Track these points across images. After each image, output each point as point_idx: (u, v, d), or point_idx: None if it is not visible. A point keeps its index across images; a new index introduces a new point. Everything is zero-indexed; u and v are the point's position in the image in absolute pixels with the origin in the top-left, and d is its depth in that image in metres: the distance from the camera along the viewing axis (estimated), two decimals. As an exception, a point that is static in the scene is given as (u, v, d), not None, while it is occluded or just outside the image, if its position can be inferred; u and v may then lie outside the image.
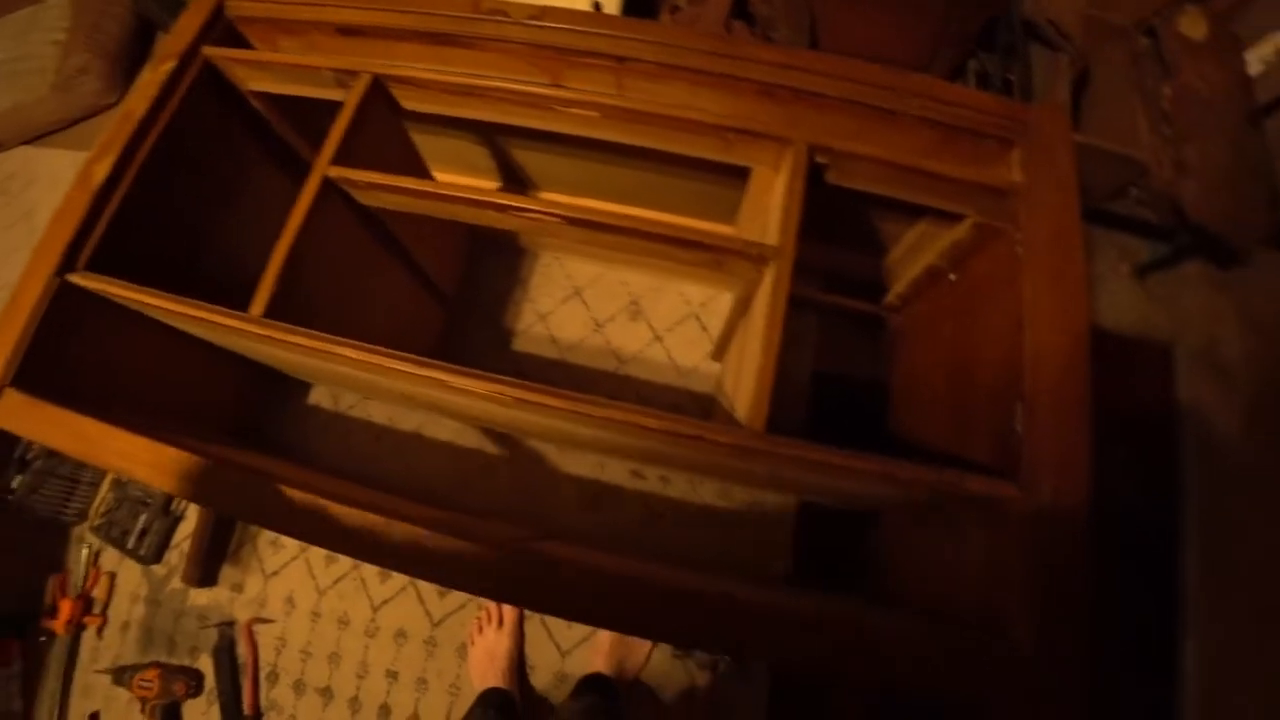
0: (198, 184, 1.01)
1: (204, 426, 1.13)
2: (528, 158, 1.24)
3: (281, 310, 0.82)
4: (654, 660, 1.15)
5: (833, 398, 1.26)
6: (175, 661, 1.23)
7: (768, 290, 0.81)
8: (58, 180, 1.68)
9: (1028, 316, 0.81)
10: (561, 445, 1.22)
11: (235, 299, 0.81)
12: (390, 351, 0.75)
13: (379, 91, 0.93)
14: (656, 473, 1.21)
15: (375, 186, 0.87)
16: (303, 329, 0.77)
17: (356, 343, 0.76)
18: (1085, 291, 0.82)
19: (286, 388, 1.29)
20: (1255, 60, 1.44)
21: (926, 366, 1.14)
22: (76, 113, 1.73)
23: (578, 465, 1.21)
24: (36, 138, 1.76)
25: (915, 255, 1.17)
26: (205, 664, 1.22)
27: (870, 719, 1.15)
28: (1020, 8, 1.43)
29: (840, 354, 1.35)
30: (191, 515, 1.29)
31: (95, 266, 0.85)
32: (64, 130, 1.76)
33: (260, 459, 1.00)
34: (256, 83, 0.99)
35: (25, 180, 1.71)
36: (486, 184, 1.29)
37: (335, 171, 0.86)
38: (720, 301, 1.31)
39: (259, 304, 0.81)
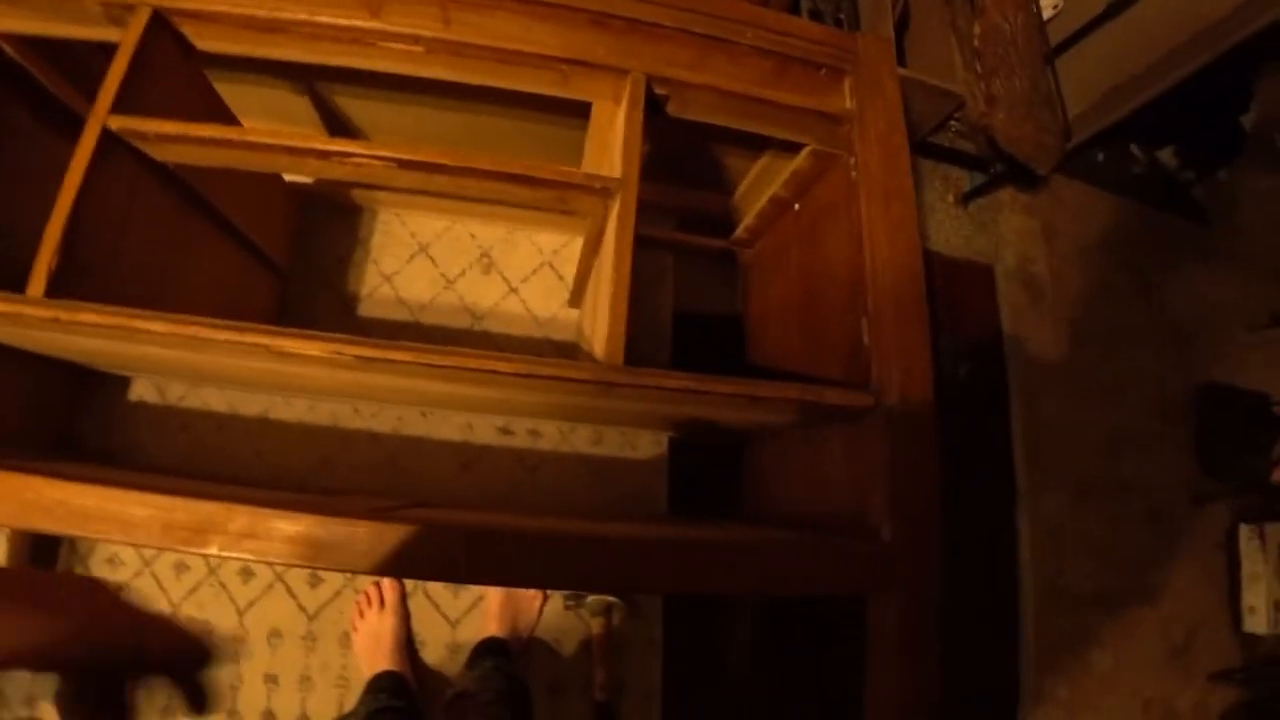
0: None
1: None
2: (353, 106, 1.14)
3: (70, 289, 0.71)
4: (546, 615, 1.15)
5: (693, 336, 1.29)
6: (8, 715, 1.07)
7: (614, 224, 0.80)
8: None
9: (866, 235, 0.86)
10: (423, 407, 1.16)
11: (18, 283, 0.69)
12: (203, 319, 0.67)
13: (163, 27, 0.81)
14: (526, 426, 1.19)
15: (168, 138, 0.77)
16: (92, 305, 0.67)
17: (161, 314, 0.67)
18: (913, 207, 0.88)
19: (98, 386, 1.14)
20: (1047, 6, 1.60)
21: (779, 296, 1.18)
22: None
23: (443, 428, 1.16)
24: None
25: (760, 188, 1.20)
26: (48, 713, 1.07)
27: (758, 627, 1.21)
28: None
29: (698, 293, 1.38)
30: (0, 541, 1.11)
31: None
32: None
33: (52, 466, 0.88)
34: (2, 22, 0.84)
35: None
36: (284, 130, 1.17)
37: (117, 122, 0.75)
38: (574, 248, 1.29)
39: (37, 281, 0.70)
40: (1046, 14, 1.60)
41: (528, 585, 1.02)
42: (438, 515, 0.78)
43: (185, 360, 0.86)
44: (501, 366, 0.67)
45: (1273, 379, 1.81)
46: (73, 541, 1.13)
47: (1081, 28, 1.55)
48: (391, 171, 0.78)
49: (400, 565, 0.63)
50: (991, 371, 1.63)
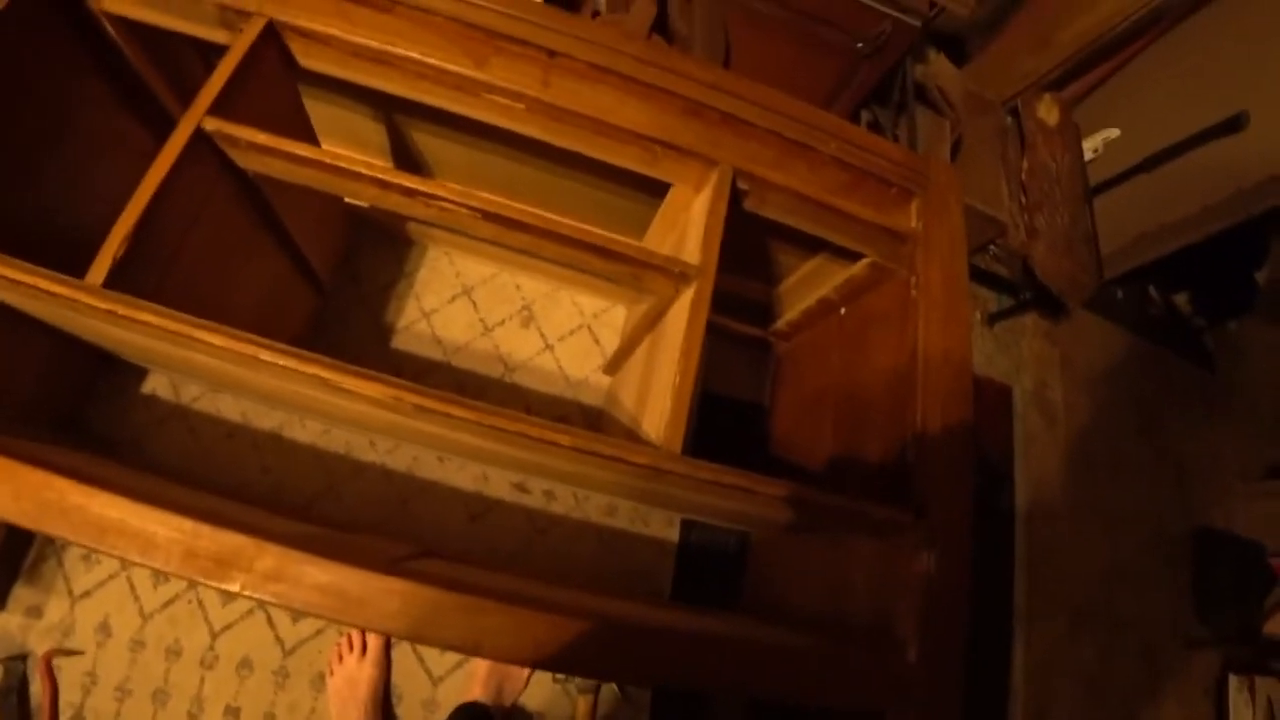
0: (22, 114, 0.83)
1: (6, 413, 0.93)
2: (425, 141, 1.14)
3: (126, 281, 0.69)
4: (532, 685, 1.09)
5: (714, 417, 1.28)
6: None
7: (686, 309, 0.80)
8: None
9: (920, 353, 0.86)
10: (443, 453, 1.13)
11: (57, 260, 0.67)
12: (265, 341, 0.65)
13: (273, 40, 0.82)
14: (542, 486, 1.16)
15: (261, 148, 0.76)
16: (154, 305, 0.65)
17: (219, 327, 0.65)
18: (969, 331, 0.89)
19: (113, 371, 1.10)
20: (1088, 148, 1.68)
21: (812, 392, 1.18)
22: None
23: (458, 476, 1.13)
24: None
25: (808, 287, 1.21)
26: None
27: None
28: (913, 71, 1.55)
29: (723, 375, 1.38)
30: (-26, 523, 1.05)
31: None
32: None
33: (65, 454, 0.84)
34: (115, 3, 0.84)
35: None
36: (377, 163, 1.18)
37: (212, 124, 0.74)
38: (614, 314, 1.29)
39: (99, 270, 0.68)
40: (1087, 155, 1.68)
41: (524, 664, 0.98)
42: (446, 572, 0.74)
43: (221, 369, 0.84)
44: (562, 440, 0.65)
45: (1267, 530, 1.83)
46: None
47: (1119, 174, 1.61)
48: (472, 220, 0.78)
49: (425, 633, 0.60)
50: (1000, 490, 1.63)
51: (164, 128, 0.73)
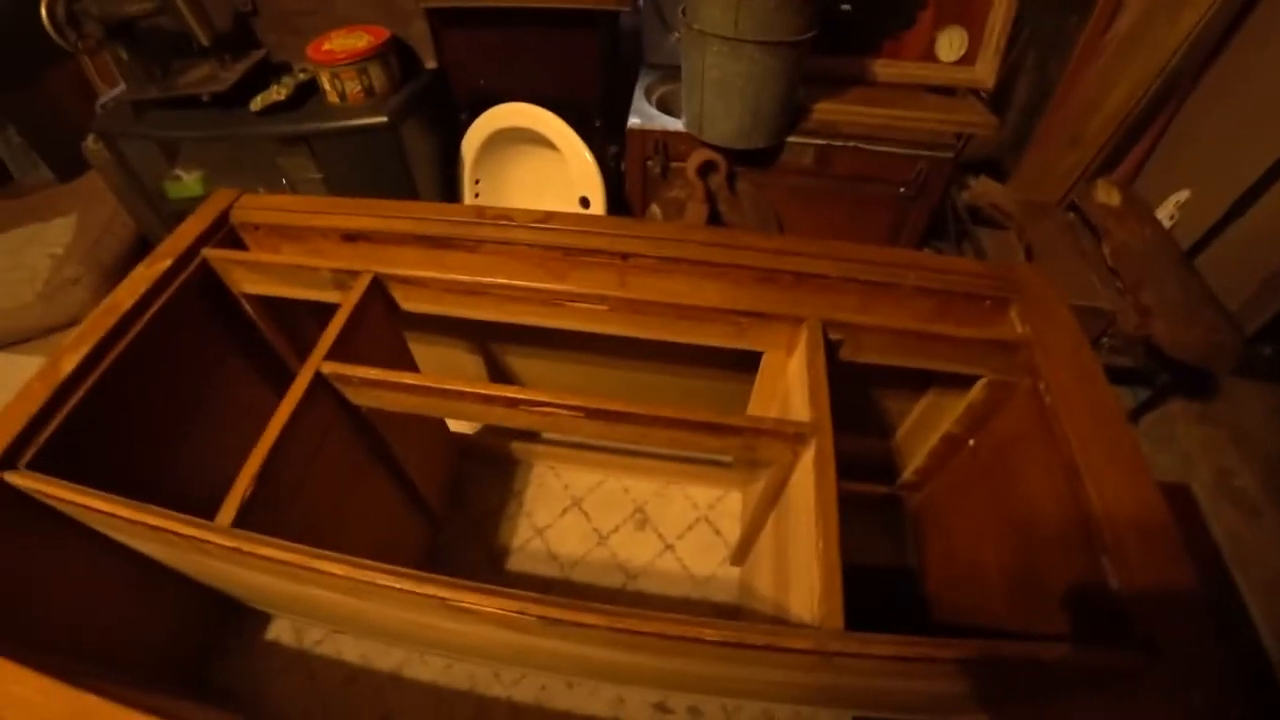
0: (174, 384, 0.94)
1: (129, 672, 0.93)
2: (520, 364, 1.22)
3: (253, 520, 0.70)
4: None
5: (861, 591, 1.14)
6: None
7: (810, 471, 0.74)
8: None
9: (1081, 463, 0.75)
10: (572, 676, 1.04)
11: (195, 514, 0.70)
12: (383, 566, 0.63)
13: (378, 291, 0.91)
14: (685, 702, 1.03)
15: (372, 383, 0.81)
16: (275, 540, 0.66)
17: (342, 557, 0.64)
18: (1127, 425, 0.78)
19: (238, 622, 1.10)
20: (1163, 217, 1.61)
21: (963, 543, 1.05)
22: (59, 320, 1.65)
23: (591, 703, 1.02)
24: (10, 344, 1.66)
25: (926, 428, 1.13)
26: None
27: None
28: (961, 197, 1.59)
29: (859, 543, 1.25)
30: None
31: (39, 466, 0.73)
32: (40, 339, 1.67)
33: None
34: (251, 285, 0.97)
35: (-11, 387, 1.59)
36: (477, 382, 1.26)
37: (329, 367, 0.80)
38: (730, 501, 1.22)
39: (228, 511, 0.70)
40: (1165, 225, 1.59)
41: None
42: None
43: (340, 604, 0.82)
44: (707, 635, 0.57)
45: None
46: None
47: (1211, 228, 1.51)
48: (577, 421, 0.78)
49: None
50: (1221, 601, 1.32)
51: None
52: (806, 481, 0.74)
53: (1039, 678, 0.69)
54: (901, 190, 1.39)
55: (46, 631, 0.80)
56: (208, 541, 0.66)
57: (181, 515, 0.67)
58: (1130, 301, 1.39)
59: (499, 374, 1.22)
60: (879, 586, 1.18)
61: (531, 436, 1.27)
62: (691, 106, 1.30)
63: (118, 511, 0.68)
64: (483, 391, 0.78)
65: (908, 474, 1.19)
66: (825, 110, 1.33)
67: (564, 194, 1.55)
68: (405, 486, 1.05)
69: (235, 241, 1.00)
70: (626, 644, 0.64)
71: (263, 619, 1.12)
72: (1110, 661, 0.61)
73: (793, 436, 0.76)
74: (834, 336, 0.87)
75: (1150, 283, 1.42)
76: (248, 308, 1.01)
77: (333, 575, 0.64)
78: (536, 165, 1.59)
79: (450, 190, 1.65)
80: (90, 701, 0.58)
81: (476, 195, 1.62)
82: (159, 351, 0.88)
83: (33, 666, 0.61)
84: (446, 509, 1.20)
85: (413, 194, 1.53)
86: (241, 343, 1.05)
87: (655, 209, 1.45)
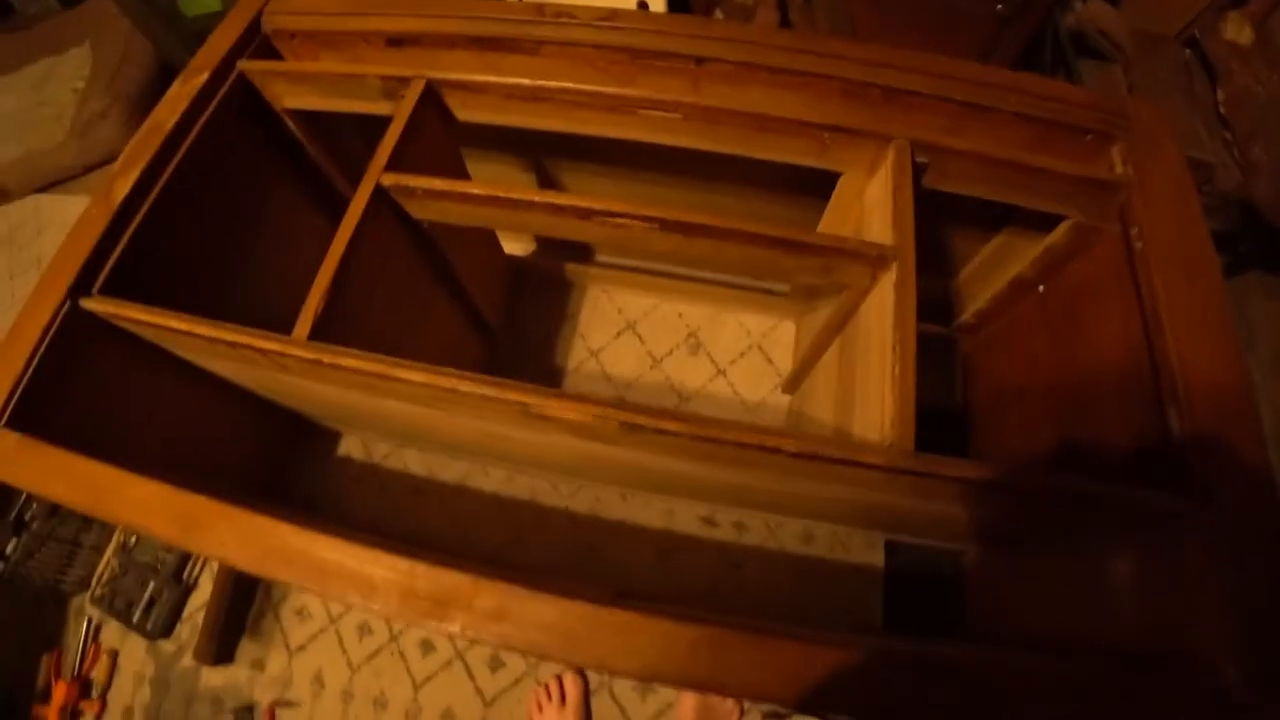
0: (224, 208, 0.92)
1: (219, 486, 1.00)
2: (573, 182, 1.16)
3: (326, 335, 0.71)
4: (743, 732, 1.00)
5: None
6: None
7: (888, 296, 0.71)
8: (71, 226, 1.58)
9: (1164, 315, 0.71)
10: (627, 488, 1.09)
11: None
12: (464, 374, 0.64)
13: (432, 99, 0.85)
14: (731, 518, 1.08)
15: (435, 194, 0.78)
16: (355, 350, 0.67)
17: (418, 364, 0.65)
18: (1221, 281, 0.73)
19: (312, 440, 1.17)
20: None
21: (1018, 385, 1.04)
22: (93, 158, 1.65)
23: (644, 514, 1.08)
24: (49, 185, 1.67)
25: (995, 269, 1.09)
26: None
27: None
28: (1065, 21, 1.40)
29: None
30: (205, 583, 1.14)
31: (110, 292, 0.74)
32: (79, 178, 1.68)
33: (279, 510, 0.88)
34: (294, 99, 0.92)
35: (35, 228, 1.61)
36: (547, 191, 1.22)
37: (389, 179, 0.77)
38: (783, 331, 1.21)
39: (304, 325, 0.70)
40: None
41: (752, 698, 0.89)
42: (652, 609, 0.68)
43: (411, 415, 0.85)
44: (787, 445, 0.58)
45: None
46: (268, 588, 1.14)
47: None
48: (651, 234, 0.75)
49: (661, 670, 0.54)
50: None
51: (338, 215, 0.77)
52: (884, 306, 0.72)
53: (1086, 514, 0.69)
54: (999, 7, 1.23)
55: (139, 450, 0.84)
56: (287, 355, 0.67)
57: (259, 331, 0.68)
58: (1236, 156, 1.26)
59: (549, 189, 1.17)
60: (925, 426, 1.19)
61: (586, 258, 1.25)
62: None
63: (196, 330, 0.69)
64: (554, 201, 0.74)
65: (967, 315, 1.15)
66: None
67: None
68: (464, 305, 1.05)
69: (271, 52, 0.93)
70: (701, 453, 0.65)
71: (333, 437, 1.18)
72: (1163, 504, 0.61)
73: (875, 259, 0.72)
74: (920, 159, 0.80)
75: (1265, 138, 1.28)
76: (292, 125, 0.96)
77: (414, 383, 0.65)
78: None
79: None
80: (202, 502, 0.62)
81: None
82: (207, 174, 0.85)
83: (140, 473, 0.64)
84: (502, 330, 1.21)
85: None
86: (289, 165, 1.01)
87: (718, 14, 1.32)
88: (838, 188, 0.90)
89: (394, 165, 0.78)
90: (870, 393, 0.73)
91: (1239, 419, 0.65)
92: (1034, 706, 0.53)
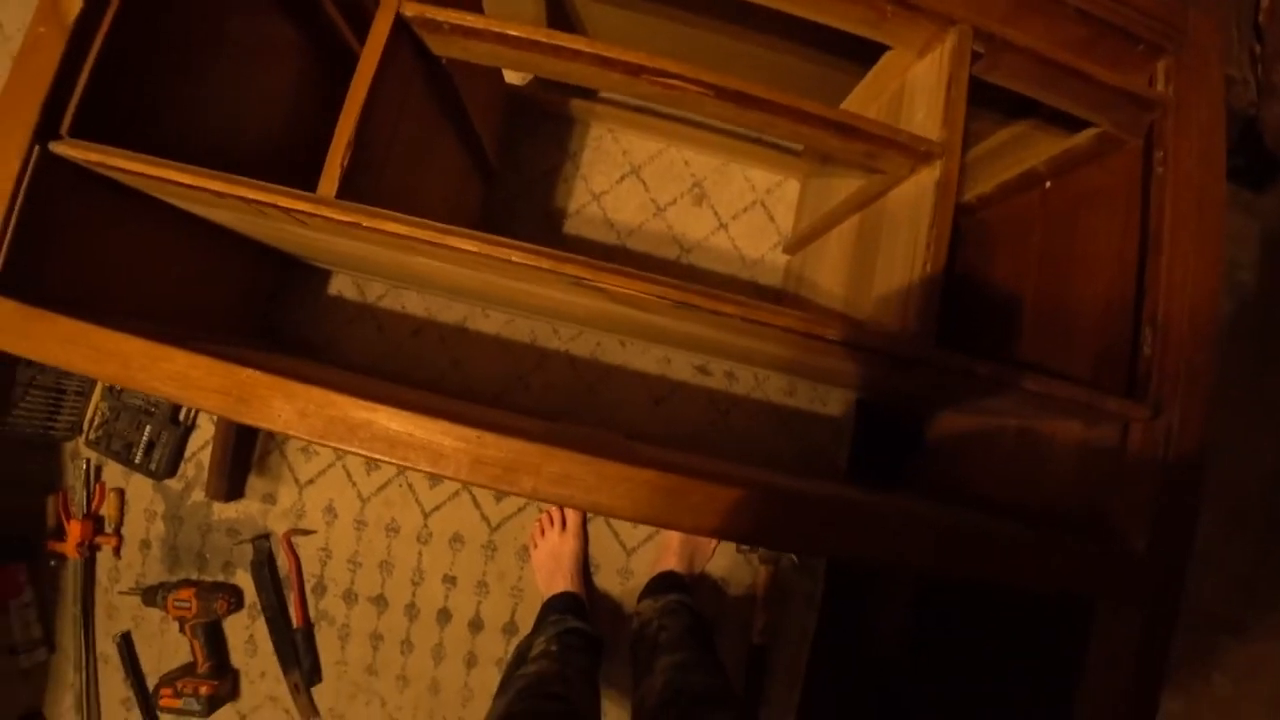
0: (183, 20, 0.78)
1: (211, 331, 0.96)
2: (589, 10, 1.04)
3: (352, 189, 0.67)
4: (718, 555, 1.16)
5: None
6: (209, 578, 1.13)
7: (928, 190, 0.73)
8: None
9: (1167, 241, 0.76)
10: (626, 336, 1.13)
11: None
12: (518, 244, 0.63)
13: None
14: (723, 368, 1.15)
15: (465, 30, 0.70)
16: (397, 215, 0.63)
17: (473, 233, 0.63)
18: (1224, 217, 0.78)
19: (300, 277, 1.13)
20: None
21: (1005, 274, 1.10)
22: None
23: (641, 360, 1.14)
24: None
25: (1005, 158, 1.08)
26: (242, 579, 1.13)
27: (917, 596, 1.21)
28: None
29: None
30: (205, 423, 1.14)
31: (80, 132, 0.64)
32: None
33: (323, 370, 0.87)
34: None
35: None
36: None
37: (411, 8, 0.68)
38: (787, 189, 1.21)
39: (329, 181, 0.66)
40: None
41: (734, 540, 1.02)
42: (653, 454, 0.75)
43: (427, 268, 0.83)
44: (829, 333, 0.62)
45: None
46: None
47: None
48: (701, 99, 0.71)
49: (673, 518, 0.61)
50: None
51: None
52: (919, 199, 0.73)
53: (1052, 407, 0.78)
54: None
55: (134, 300, 0.79)
56: (317, 216, 0.62)
57: (282, 188, 0.62)
58: (1256, 73, 1.23)
59: (562, 21, 1.05)
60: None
61: (591, 94, 1.16)
62: None
63: (208, 184, 0.62)
64: (603, 53, 0.69)
65: (968, 196, 1.18)
66: None
67: None
68: (469, 144, 0.99)
69: None
70: (740, 329, 0.68)
71: (323, 275, 1.14)
72: (1120, 409, 0.70)
73: (921, 154, 0.72)
74: (977, 49, 0.77)
75: (1291, 59, 1.25)
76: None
77: (465, 252, 0.63)
78: None
79: None
80: (250, 375, 0.59)
81: None
82: None
83: (169, 342, 0.60)
84: (501, 166, 1.15)
85: None
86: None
87: None
88: (882, 61, 0.86)
89: (408, -12, 0.69)
90: (894, 279, 0.76)
91: (1203, 351, 0.72)
92: (979, 549, 0.64)
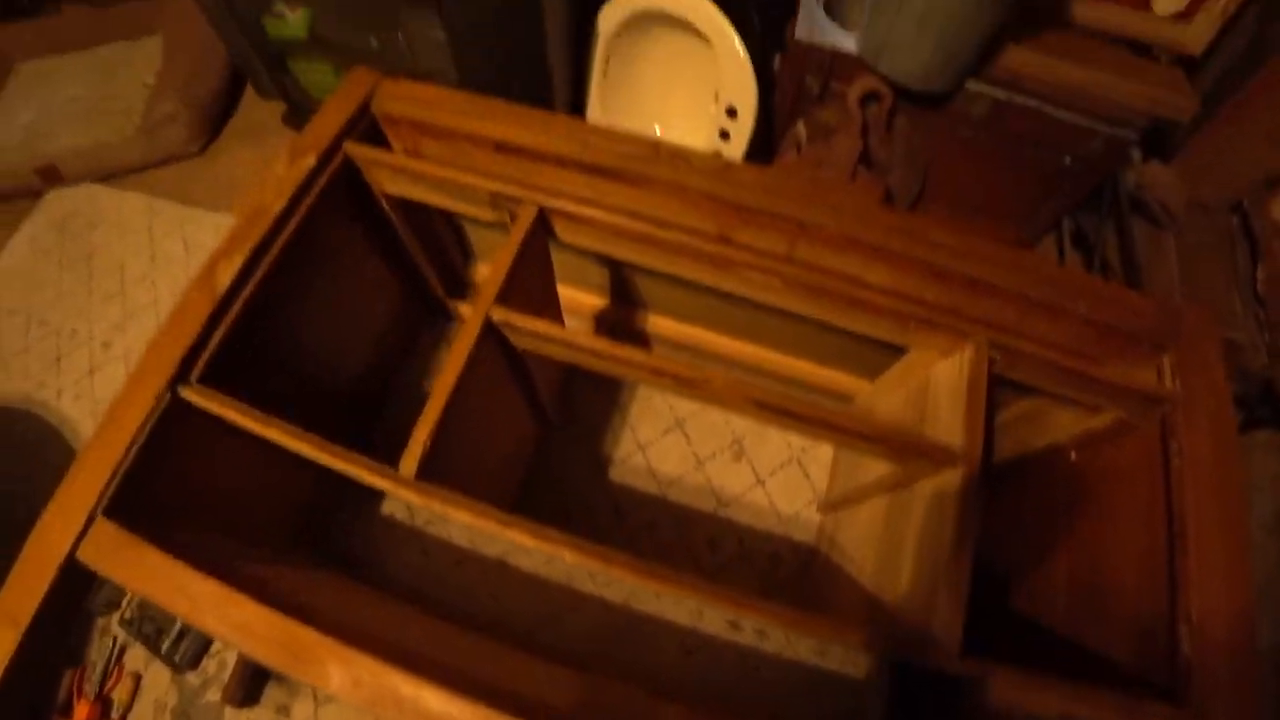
0: (316, 288, 0.95)
1: (272, 537, 1.03)
2: (646, 283, 1.19)
3: (431, 469, 0.75)
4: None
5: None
6: (204, 792, 1.10)
7: (952, 490, 0.77)
8: (124, 226, 1.59)
9: (1192, 537, 0.78)
10: (665, 590, 1.15)
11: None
12: (566, 538, 0.69)
13: (541, 223, 0.88)
14: (754, 625, 1.15)
15: (541, 336, 0.82)
16: (465, 500, 0.71)
17: (527, 524, 0.70)
18: (1247, 504, 0.80)
19: (356, 496, 1.20)
20: None
21: (1035, 543, 1.10)
22: (156, 157, 1.66)
23: (674, 610, 1.15)
24: (107, 177, 1.67)
25: (1024, 429, 1.14)
26: (239, 799, 1.10)
27: None
28: (1125, 178, 1.46)
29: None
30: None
31: (209, 378, 0.77)
32: (135, 173, 1.68)
33: (369, 600, 0.92)
34: (396, 187, 0.94)
35: (88, 220, 1.61)
36: (595, 300, 1.25)
37: (499, 314, 0.81)
38: (821, 450, 1.28)
39: (410, 462, 0.74)
40: None
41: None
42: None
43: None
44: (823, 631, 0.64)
45: None
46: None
47: None
48: (744, 403, 0.80)
49: None
50: None
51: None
52: (945, 499, 0.77)
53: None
54: (1067, 162, 1.29)
55: (211, 513, 0.87)
56: (397, 493, 0.71)
57: (365, 461, 0.72)
58: (1266, 340, 1.32)
59: (623, 287, 1.20)
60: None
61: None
62: (875, 31, 1.16)
63: (301, 449, 0.73)
64: (657, 365, 0.79)
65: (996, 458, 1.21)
66: (1013, 56, 1.18)
67: (698, 92, 1.44)
68: (533, 406, 1.10)
69: (376, 133, 0.94)
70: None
71: (379, 496, 1.22)
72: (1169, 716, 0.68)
73: (942, 459, 0.78)
74: (993, 355, 0.86)
75: (1295, 326, 1.33)
76: (386, 207, 0.98)
77: (519, 542, 0.69)
78: (674, 55, 1.45)
79: (579, 68, 1.52)
80: (309, 635, 0.64)
81: (605, 75, 1.49)
82: (305, 256, 0.87)
83: (239, 587, 0.66)
84: (559, 418, 1.26)
85: (543, 70, 1.42)
86: (376, 243, 1.03)
87: (801, 129, 1.36)
88: (907, 357, 0.96)
89: (504, 295, 0.81)
90: (919, 570, 0.78)
91: (1241, 649, 0.72)
92: None
